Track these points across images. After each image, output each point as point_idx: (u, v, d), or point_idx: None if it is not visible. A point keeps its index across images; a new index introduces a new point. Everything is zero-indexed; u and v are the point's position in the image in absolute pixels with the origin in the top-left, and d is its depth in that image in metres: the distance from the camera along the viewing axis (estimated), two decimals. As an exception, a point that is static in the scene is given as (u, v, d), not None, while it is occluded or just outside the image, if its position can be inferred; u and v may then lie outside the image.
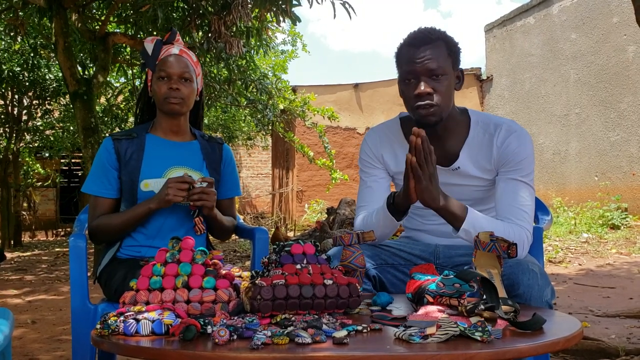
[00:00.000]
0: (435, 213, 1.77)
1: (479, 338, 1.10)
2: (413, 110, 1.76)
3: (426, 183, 1.57)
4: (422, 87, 1.70)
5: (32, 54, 9.41)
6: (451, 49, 1.74)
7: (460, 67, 1.80)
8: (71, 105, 7.49)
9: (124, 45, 7.37)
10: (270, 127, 10.56)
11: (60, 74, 8.09)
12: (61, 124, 11.74)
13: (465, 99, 12.81)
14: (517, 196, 1.72)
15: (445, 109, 1.73)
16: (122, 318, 1.23)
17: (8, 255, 9.49)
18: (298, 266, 1.37)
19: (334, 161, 9.93)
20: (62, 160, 13.84)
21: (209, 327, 1.18)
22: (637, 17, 2.65)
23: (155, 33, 5.72)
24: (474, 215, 1.67)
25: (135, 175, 1.98)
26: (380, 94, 12.89)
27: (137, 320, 1.22)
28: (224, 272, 1.45)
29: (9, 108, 11.12)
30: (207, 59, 6.94)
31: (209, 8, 5.57)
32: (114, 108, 10.14)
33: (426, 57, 1.69)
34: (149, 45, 2.03)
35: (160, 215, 1.98)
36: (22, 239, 12.07)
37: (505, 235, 1.63)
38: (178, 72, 1.97)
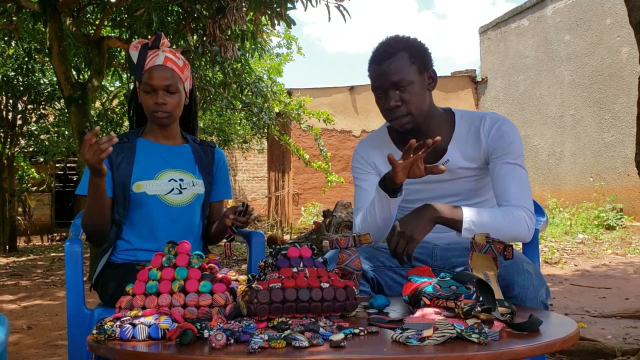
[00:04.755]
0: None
1: (475, 340, 1.10)
2: (389, 122, 1.85)
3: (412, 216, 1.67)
4: (391, 101, 1.77)
5: (26, 59, 9.38)
6: (415, 56, 1.79)
7: (433, 67, 1.85)
8: (66, 110, 7.45)
9: (118, 49, 7.36)
10: (265, 130, 10.53)
11: (55, 79, 8.08)
12: (56, 129, 11.69)
13: (461, 100, 12.84)
14: (512, 177, 1.77)
15: (419, 114, 1.80)
16: (118, 323, 1.23)
17: (3, 260, 9.45)
18: (295, 269, 1.37)
19: (330, 164, 9.93)
20: (57, 165, 13.78)
21: (206, 331, 1.17)
22: (631, 18, 2.66)
23: (149, 37, 5.70)
24: (469, 212, 1.69)
25: (127, 177, 1.99)
26: (376, 97, 12.83)
27: (134, 325, 1.21)
28: (220, 276, 1.44)
29: (4, 113, 11.08)
30: (202, 63, 6.93)
31: (204, 12, 5.56)
32: (109, 112, 10.12)
33: (389, 72, 1.76)
34: (134, 52, 2.00)
35: (154, 217, 1.99)
36: (17, 244, 11.99)
37: (506, 220, 1.70)
38: (163, 86, 1.96)
